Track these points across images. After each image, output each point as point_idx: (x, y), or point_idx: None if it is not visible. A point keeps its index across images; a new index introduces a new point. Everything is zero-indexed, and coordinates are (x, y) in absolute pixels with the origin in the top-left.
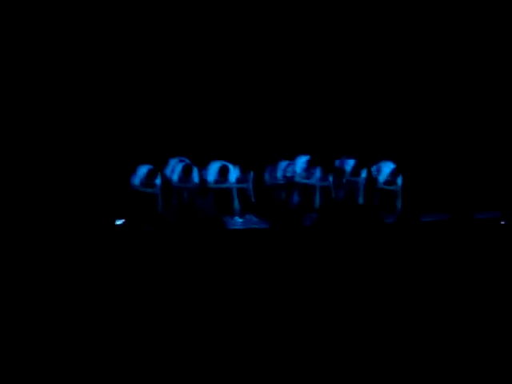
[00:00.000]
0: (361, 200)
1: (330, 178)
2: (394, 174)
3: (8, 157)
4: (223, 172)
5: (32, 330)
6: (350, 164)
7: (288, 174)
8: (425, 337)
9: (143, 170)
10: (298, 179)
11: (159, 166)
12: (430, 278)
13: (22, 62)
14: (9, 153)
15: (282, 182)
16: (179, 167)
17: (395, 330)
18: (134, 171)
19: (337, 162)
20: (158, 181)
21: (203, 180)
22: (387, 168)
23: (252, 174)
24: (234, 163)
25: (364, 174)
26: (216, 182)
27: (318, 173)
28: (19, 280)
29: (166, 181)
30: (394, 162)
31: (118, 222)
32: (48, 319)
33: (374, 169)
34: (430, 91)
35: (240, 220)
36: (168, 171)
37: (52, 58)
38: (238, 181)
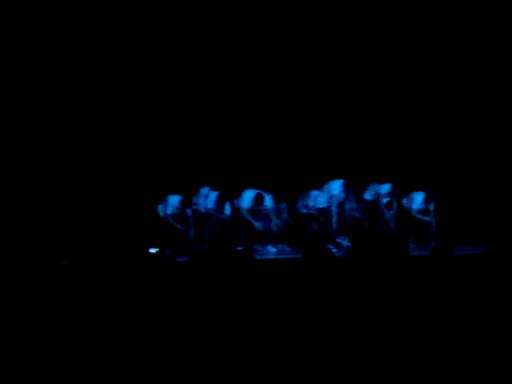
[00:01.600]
0: (392, 230)
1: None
2: (426, 202)
3: (42, 184)
4: (257, 200)
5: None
6: (380, 194)
7: (319, 205)
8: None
9: (175, 200)
10: (334, 208)
11: (190, 195)
12: (463, 316)
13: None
14: (44, 180)
15: (313, 211)
16: (212, 196)
17: (429, 370)
18: (165, 201)
19: (367, 192)
20: (190, 210)
21: (236, 208)
22: (419, 196)
23: (285, 205)
24: (267, 192)
25: (395, 203)
26: (250, 210)
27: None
28: (50, 309)
29: (198, 210)
30: (425, 191)
31: (152, 251)
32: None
33: (405, 200)
34: (461, 120)
35: (273, 250)
36: (200, 200)
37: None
38: (271, 211)
